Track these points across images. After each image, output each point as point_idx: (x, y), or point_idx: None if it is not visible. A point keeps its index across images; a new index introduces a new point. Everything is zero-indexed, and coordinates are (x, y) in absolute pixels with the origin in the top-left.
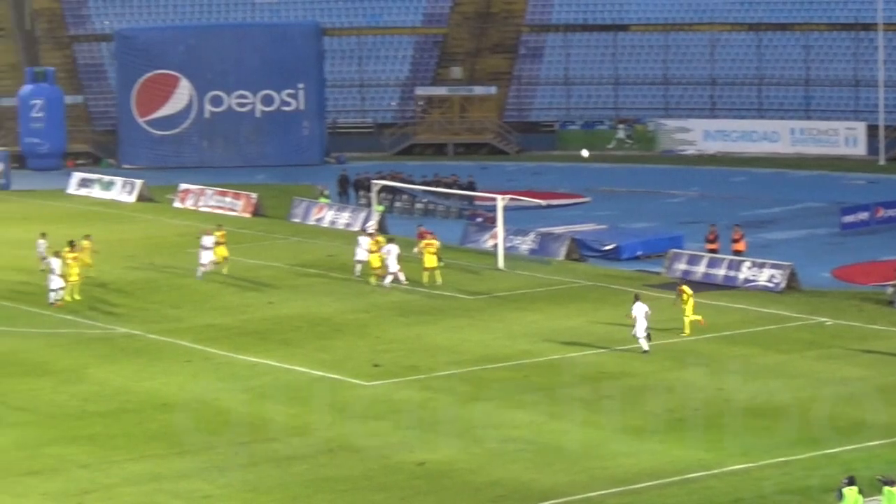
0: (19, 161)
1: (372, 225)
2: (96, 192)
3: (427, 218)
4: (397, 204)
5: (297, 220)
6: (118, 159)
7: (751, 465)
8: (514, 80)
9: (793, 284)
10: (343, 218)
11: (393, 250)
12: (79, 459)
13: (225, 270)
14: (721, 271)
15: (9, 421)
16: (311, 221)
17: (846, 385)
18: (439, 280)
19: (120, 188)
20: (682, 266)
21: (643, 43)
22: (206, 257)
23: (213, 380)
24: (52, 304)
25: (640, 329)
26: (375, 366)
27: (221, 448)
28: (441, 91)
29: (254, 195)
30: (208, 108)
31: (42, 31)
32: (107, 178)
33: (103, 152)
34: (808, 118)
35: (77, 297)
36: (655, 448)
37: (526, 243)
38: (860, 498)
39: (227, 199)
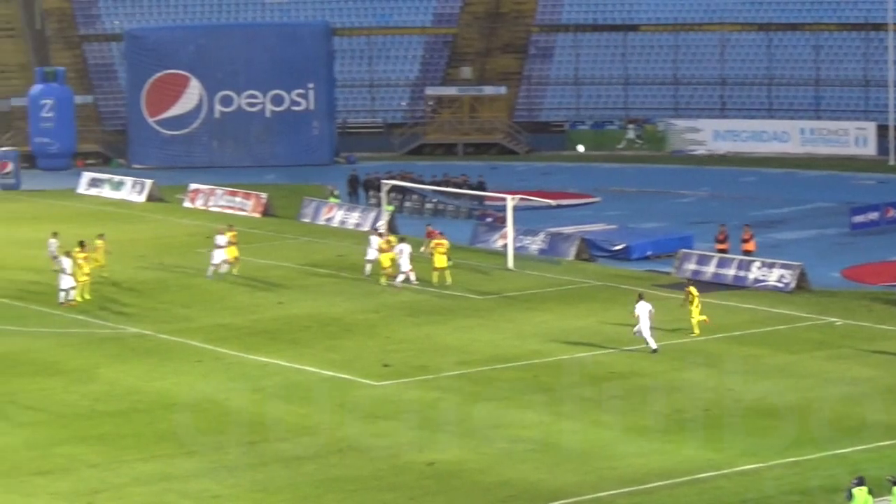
0: (29, 161)
1: (382, 225)
2: (106, 191)
3: (437, 218)
4: (407, 204)
5: (306, 220)
6: (128, 159)
7: (760, 465)
8: (524, 80)
9: (802, 284)
10: (353, 218)
11: (405, 249)
12: (89, 459)
13: (235, 271)
14: (731, 271)
15: (19, 420)
16: (321, 221)
17: (856, 385)
18: (449, 280)
19: (130, 188)
20: (691, 266)
21: (653, 43)
22: (219, 256)
23: (223, 380)
24: (61, 303)
25: (645, 328)
26: (385, 366)
27: (231, 448)
28: (451, 91)
29: (264, 195)
30: (218, 107)
31: (52, 30)
32: (117, 177)
33: (113, 152)
34: (819, 118)
35: (87, 296)
36: (665, 448)
37: (536, 243)
38: (870, 498)
39: (237, 199)
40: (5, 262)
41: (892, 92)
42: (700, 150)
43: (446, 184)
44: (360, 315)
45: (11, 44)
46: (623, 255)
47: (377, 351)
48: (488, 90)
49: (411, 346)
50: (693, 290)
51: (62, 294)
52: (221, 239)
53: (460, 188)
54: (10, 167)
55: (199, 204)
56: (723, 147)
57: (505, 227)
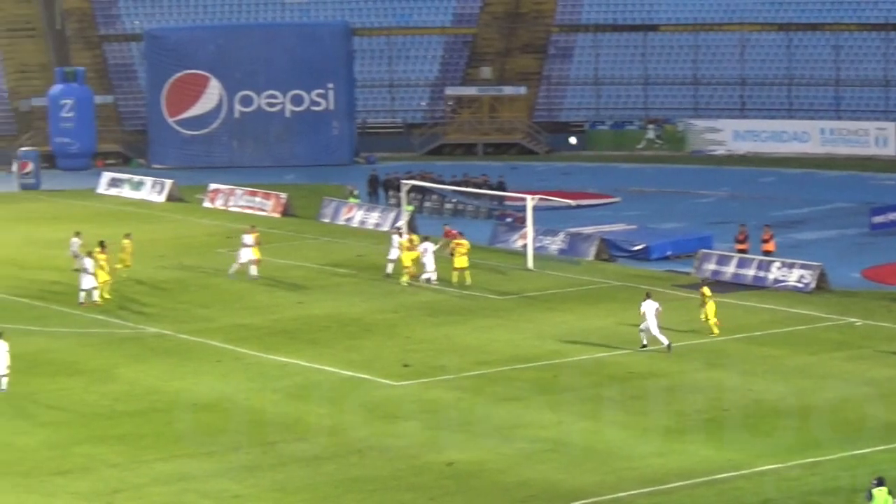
0: (49, 161)
1: (401, 225)
2: (126, 191)
3: (456, 218)
4: (427, 204)
5: (326, 221)
6: (148, 159)
7: (780, 465)
8: (543, 80)
9: (822, 285)
10: (372, 218)
11: (429, 248)
12: (108, 459)
13: (256, 271)
14: (750, 271)
15: (39, 420)
16: (341, 221)
17: (876, 386)
18: (469, 280)
19: (150, 188)
20: (711, 266)
21: (673, 43)
22: (246, 255)
23: (242, 380)
24: (81, 303)
25: (653, 326)
26: (405, 366)
27: (250, 448)
28: (471, 91)
29: (283, 195)
30: (238, 108)
31: (72, 30)
32: (136, 177)
33: (133, 152)
34: (838, 118)
35: (107, 296)
36: (684, 448)
37: (555, 243)
38: (890, 499)
39: (257, 199)
40: (26, 262)
41: None
42: (720, 151)
43: (466, 184)
44: (379, 315)
45: (32, 44)
46: (643, 256)
47: (397, 351)
48: (508, 90)
49: (431, 346)
50: (706, 290)
51: (82, 294)
52: (248, 238)
53: (481, 188)
54: (30, 167)
55: (218, 204)
56: (742, 147)
57: (524, 227)
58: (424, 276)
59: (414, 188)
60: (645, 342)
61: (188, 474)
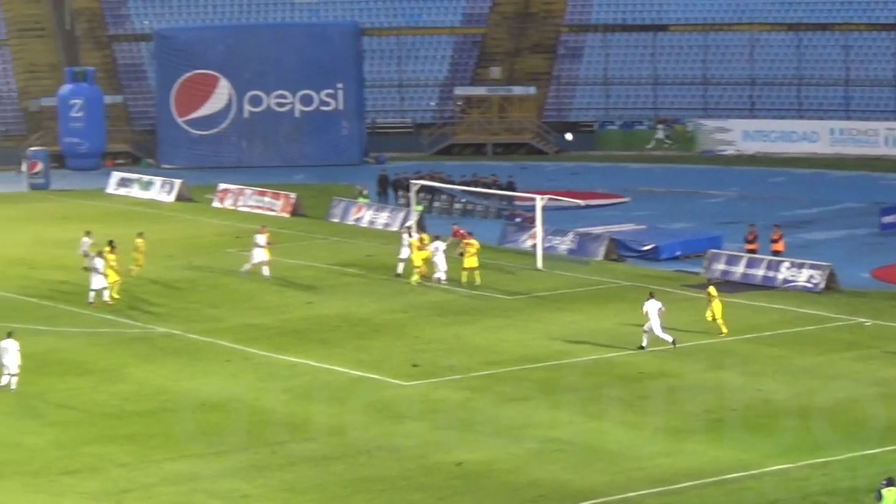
0: (59, 160)
1: (411, 225)
2: (135, 191)
3: (466, 218)
4: (436, 204)
5: (335, 220)
6: (157, 159)
7: (790, 465)
8: (553, 80)
9: (832, 285)
10: (382, 218)
11: (440, 247)
12: (117, 459)
13: (268, 272)
14: (760, 272)
15: (48, 420)
16: (350, 221)
17: (886, 386)
18: (478, 280)
19: (159, 188)
20: (720, 266)
21: (682, 43)
22: (259, 256)
23: (252, 379)
24: (91, 303)
25: (655, 326)
26: (414, 366)
27: (260, 448)
28: (480, 91)
29: (293, 195)
30: (247, 107)
31: (82, 30)
32: (146, 177)
33: (142, 152)
34: (848, 118)
35: (116, 296)
36: (694, 448)
37: (564, 243)
38: None
39: (266, 199)
40: (35, 262)
41: None
42: (729, 151)
43: (475, 184)
44: (389, 315)
45: (41, 44)
46: (652, 256)
47: (406, 351)
48: (517, 90)
49: (440, 346)
50: (712, 290)
51: (92, 294)
52: (261, 238)
53: (490, 188)
54: (39, 167)
55: (228, 204)
56: (752, 147)
57: (534, 227)
58: (436, 275)
59: (423, 188)
60: (644, 343)
61: (197, 474)
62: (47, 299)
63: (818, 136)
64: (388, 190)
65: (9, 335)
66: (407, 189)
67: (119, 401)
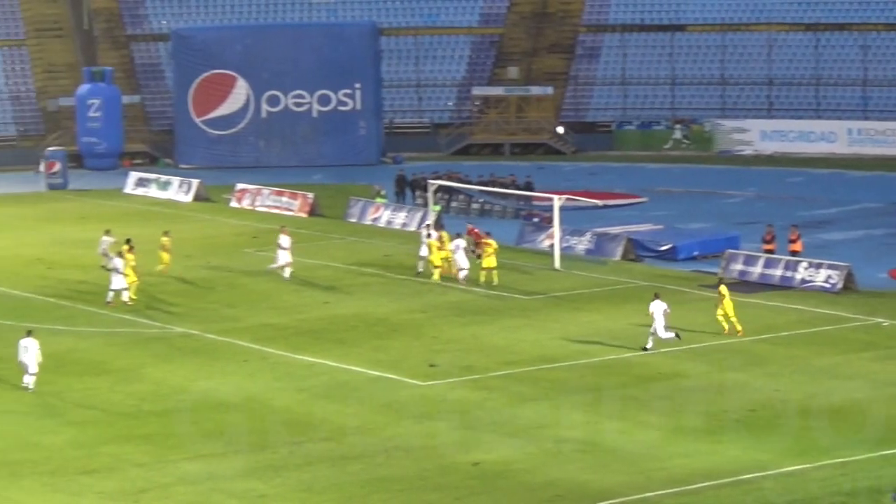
0: (77, 160)
1: (430, 224)
2: (153, 191)
3: (483, 218)
4: (454, 204)
5: (353, 220)
6: (175, 159)
7: (807, 465)
8: (570, 80)
9: (849, 285)
10: (399, 218)
11: (461, 245)
12: (135, 458)
13: (289, 274)
14: (778, 272)
15: (66, 420)
16: (368, 221)
17: None
18: (496, 280)
19: (177, 188)
20: (738, 266)
21: (700, 43)
22: (284, 258)
23: (269, 379)
24: (109, 303)
25: (659, 326)
26: (431, 366)
27: (277, 447)
28: (498, 91)
29: (310, 195)
30: (265, 107)
31: (100, 30)
32: (164, 177)
33: (160, 152)
34: (866, 118)
35: (134, 297)
36: (710, 448)
37: (582, 243)
38: None
39: (284, 199)
40: (53, 262)
41: None
42: (747, 151)
43: (493, 184)
44: (406, 315)
45: (59, 44)
46: (669, 256)
47: (423, 351)
48: (535, 90)
49: (458, 347)
50: (723, 289)
51: (111, 294)
52: (285, 240)
53: (508, 188)
54: (57, 167)
55: (245, 204)
56: (770, 147)
57: (551, 227)
58: (461, 273)
59: (441, 188)
60: (649, 345)
61: (214, 474)
62: (65, 299)
63: (836, 137)
64: (406, 190)
65: (28, 333)
66: (424, 189)
67: (136, 400)
